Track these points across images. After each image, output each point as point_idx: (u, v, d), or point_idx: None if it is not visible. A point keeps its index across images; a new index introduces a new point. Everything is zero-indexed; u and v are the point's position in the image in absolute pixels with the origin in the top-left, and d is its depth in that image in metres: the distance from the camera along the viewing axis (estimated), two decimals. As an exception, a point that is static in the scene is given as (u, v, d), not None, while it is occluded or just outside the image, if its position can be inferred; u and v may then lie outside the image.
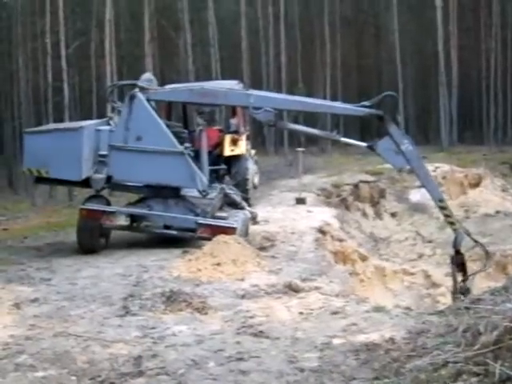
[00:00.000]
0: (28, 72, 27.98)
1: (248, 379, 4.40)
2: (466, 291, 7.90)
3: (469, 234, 8.41)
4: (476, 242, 8.53)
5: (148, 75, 11.09)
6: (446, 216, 8.46)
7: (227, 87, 10.45)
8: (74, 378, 4.61)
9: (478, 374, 3.53)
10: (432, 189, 8.57)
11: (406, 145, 8.37)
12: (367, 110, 8.75)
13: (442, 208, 8.46)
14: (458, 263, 8.21)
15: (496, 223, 15.18)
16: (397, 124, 8.65)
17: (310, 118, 29.91)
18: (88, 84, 32.48)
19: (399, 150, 8.34)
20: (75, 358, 4.96)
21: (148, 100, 10.02)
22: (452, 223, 8.43)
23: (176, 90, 10.70)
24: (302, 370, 4.46)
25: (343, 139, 9.57)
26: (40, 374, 4.67)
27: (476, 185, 19.19)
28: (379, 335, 4.99)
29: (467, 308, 4.96)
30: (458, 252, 8.29)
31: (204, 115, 12.17)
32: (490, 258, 8.64)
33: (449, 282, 12.07)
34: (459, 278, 8.18)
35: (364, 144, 9.16)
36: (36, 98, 28.11)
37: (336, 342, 5.03)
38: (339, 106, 10.16)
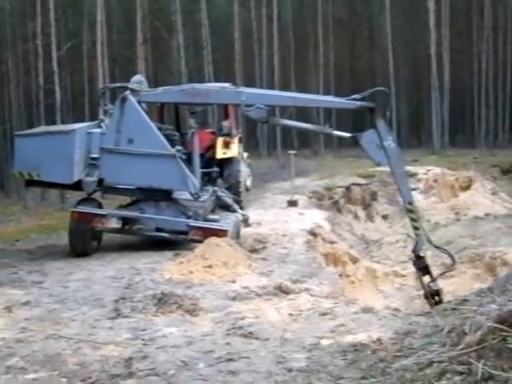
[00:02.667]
0: (19, 74, 27.93)
1: (237, 379, 4.45)
2: (436, 293, 7.98)
3: (430, 242, 8.48)
4: (438, 248, 8.63)
5: (138, 77, 11.13)
6: (412, 220, 8.49)
7: (219, 87, 10.53)
8: (64, 379, 4.63)
9: (461, 373, 3.60)
10: (405, 190, 8.59)
11: (390, 142, 8.43)
12: (358, 102, 8.82)
13: (410, 211, 8.49)
14: (421, 267, 8.27)
15: (486, 225, 15.28)
16: (385, 119, 8.71)
17: (303, 118, 29.95)
18: (80, 86, 32.50)
19: (382, 145, 8.41)
20: (66, 359, 4.99)
21: (139, 102, 10.05)
22: (416, 228, 8.47)
23: (167, 91, 10.68)
24: (290, 370, 4.52)
25: (335, 132, 9.57)
26: (31, 376, 4.69)
27: (467, 187, 19.35)
28: (367, 336, 5.05)
29: (453, 309, 5.05)
30: (418, 257, 8.36)
31: (196, 115, 12.22)
32: (455, 262, 8.71)
33: (440, 283, 12.20)
34: (426, 281, 8.23)
35: (348, 134, 9.22)
36: (27, 101, 28.07)
37: (324, 342, 5.09)
38: (331, 100, 10.25)
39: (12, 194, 25.63)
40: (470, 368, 3.58)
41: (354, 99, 8.83)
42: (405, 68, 39.83)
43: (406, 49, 39.43)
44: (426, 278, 8.14)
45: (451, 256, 8.51)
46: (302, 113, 28.45)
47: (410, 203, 8.47)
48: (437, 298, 7.95)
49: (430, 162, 24.07)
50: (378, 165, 8.94)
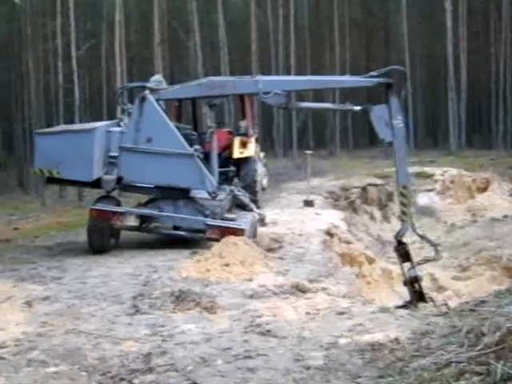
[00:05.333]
0: (39, 73, 28.23)
1: (255, 376, 4.49)
2: (415, 280, 7.97)
3: (414, 229, 8.47)
4: (422, 237, 8.62)
5: (157, 77, 11.22)
6: (402, 204, 8.43)
7: (235, 78, 10.61)
8: (84, 373, 4.70)
9: (480, 374, 3.61)
10: (403, 172, 8.52)
11: (399, 121, 8.41)
12: (376, 79, 8.79)
13: (402, 195, 8.42)
14: (402, 253, 8.25)
15: (503, 227, 15.18)
16: (400, 98, 8.68)
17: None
18: (98, 85, 32.79)
19: (390, 122, 8.39)
20: (86, 354, 5.06)
21: (158, 100, 10.12)
22: (404, 213, 8.43)
23: (185, 87, 10.69)
24: (308, 368, 4.54)
25: (356, 108, 9.48)
26: (52, 369, 4.77)
27: (484, 189, 19.21)
28: (384, 335, 5.06)
29: (471, 310, 5.05)
30: (400, 242, 8.33)
31: (215, 108, 12.26)
32: (438, 252, 8.66)
33: (455, 285, 12.17)
34: (406, 267, 8.24)
35: (358, 108, 9.21)
36: (46, 99, 28.36)
37: (342, 341, 5.11)
38: (348, 79, 10.23)
39: (30, 191, 25.92)
40: (489, 369, 3.59)
41: (371, 76, 8.82)
42: (421, 69, 39.65)
43: (422, 49, 39.24)
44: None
45: (435, 246, 8.52)
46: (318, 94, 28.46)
47: (405, 187, 8.43)
48: (416, 285, 7.95)
49: (446, 162, 23.94)
50: (381, 141, 8.84)
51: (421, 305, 8.04)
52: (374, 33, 45.15)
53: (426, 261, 8.65)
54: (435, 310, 7.67)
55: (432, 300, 8.21)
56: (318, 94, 28.53)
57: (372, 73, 8.84)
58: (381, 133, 8.59)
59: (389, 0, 43.13)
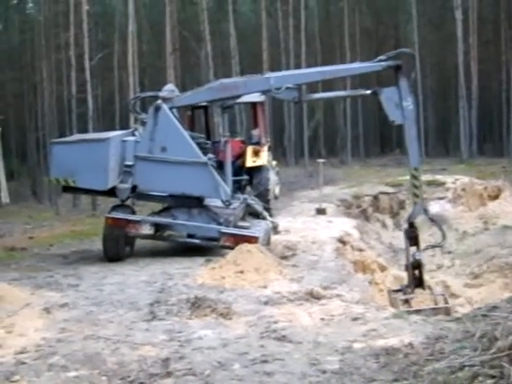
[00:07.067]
0: (52, 83, 28.56)
1: (272, 380, 4.57)
2: (417, 265, 8.01)
3: (426, 211, 8.52)
4: (433, 220, 8.67)
5: (170, 86, 11.35)
6: (414, 186, 8.48)
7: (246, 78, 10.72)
8: (104, 378, 4.81)
9: (493, 377, 3.68)
10: (413, 153, 8.58)
11: (409, 103, 8.48)
12: (385, 63, 8.86)
13: (414, 177, 8.48)
14: (411, 236, 8.29)
15: (515, 235, 15.15)
16: (409, 80, 8.73)
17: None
18: (110, 95, 33.10)
19: (400, 104, 8.45)
20: (105, 359, 5.16)
21: (172, 108, 10.23)
22: (416, 195, 8.49)
23: (197, 92, 10.76)
24: (323, 372, 4.63)
25: (368, 92, 9.46)
26: (72, 373, 4.88)
27: (495, 197, 19.16)
28: (398, 340, 5.14)
29: (484, 315, 5.11)
30: (411, 225, 8.36)
31: (228, 110, 12.26)
32: (445, 238, 8.81)
33: (467, 292, 12.18)
34: (412, 250, 8.32)
35: (368, 92, 9.26)
36: (59, 109, 28.66)
37: (356, 346, 5.19)
38: (357, 66, 10.34)
39: (44, 201, 26.16)
40: (502, 372, 3.66)
41: (380, 60, 8.90)
42: (432, 77, 39.68)
43: (433, 58, 39.27)
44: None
45: (442, 232, 8.58)
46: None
47: (416, 169, 8.50)
48: (417, 271, 8.01)
49: (458, 170, 23.93)
50: (392, 123, 8.89)
51: (418, 291, 8.12)
52: (385, 41, 45.19)
53: (432, 246, 8.76)
54: (433, 299, 7.75)
55: (430, 288, 8.27)
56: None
57: (380, 57, 8.93)
58: (391, 115, 8.67)
59: (399, 9, 43.29)
